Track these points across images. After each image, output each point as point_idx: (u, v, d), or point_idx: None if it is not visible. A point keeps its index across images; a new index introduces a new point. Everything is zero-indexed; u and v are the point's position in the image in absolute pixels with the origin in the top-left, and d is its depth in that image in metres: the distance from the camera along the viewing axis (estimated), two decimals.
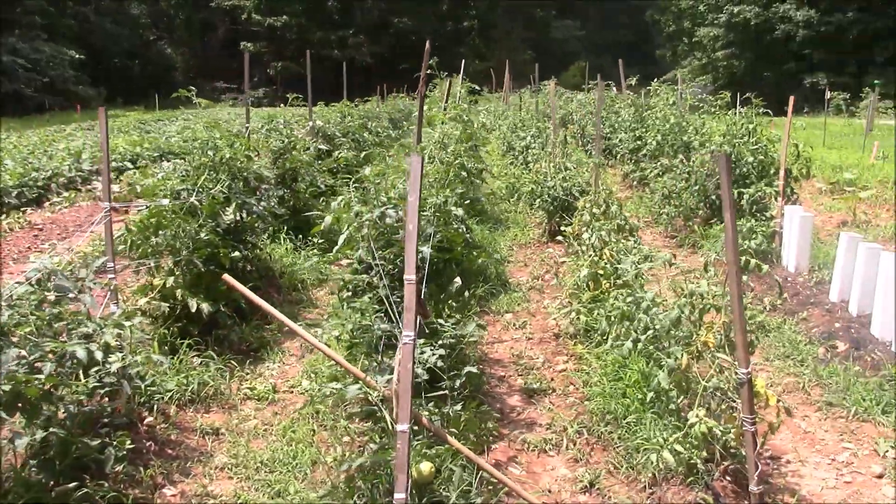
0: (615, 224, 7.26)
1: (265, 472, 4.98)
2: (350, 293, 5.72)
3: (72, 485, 4.22)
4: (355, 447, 4.97)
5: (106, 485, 4.45)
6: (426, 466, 3.88)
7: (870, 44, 46.96)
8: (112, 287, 5.42)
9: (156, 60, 64.00)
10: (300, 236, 10.05)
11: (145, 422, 5.37)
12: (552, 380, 6.42)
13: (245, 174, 7.71)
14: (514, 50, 68.02)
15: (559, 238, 10.03)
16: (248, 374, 6.47)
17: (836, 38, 47.43)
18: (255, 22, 62.65)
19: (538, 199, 11.01)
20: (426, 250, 5.12)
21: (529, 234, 11.51)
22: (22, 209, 13.10)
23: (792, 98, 9.61)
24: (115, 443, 4.54)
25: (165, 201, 6.37)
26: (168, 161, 19.20)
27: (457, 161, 7.52)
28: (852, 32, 47.07)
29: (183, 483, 4.88)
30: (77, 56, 46.70)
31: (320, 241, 10.07)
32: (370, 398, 3.96)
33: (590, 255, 7.28)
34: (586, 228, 7.23)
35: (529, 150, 13.35)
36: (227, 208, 6.90)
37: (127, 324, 4.83)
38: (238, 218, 7.04)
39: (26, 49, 42.12)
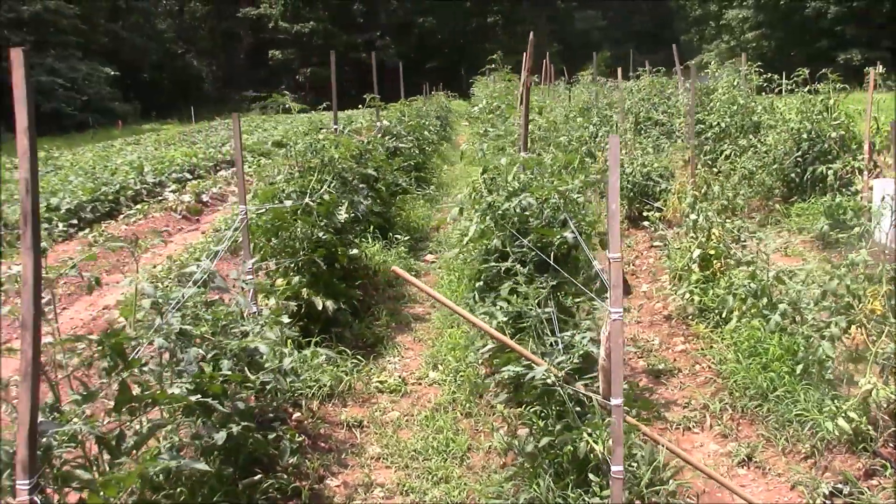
0: (719, 204, 7.29)
1: (421, 460, 5.08)
2: (481, 283, 5.80)
3: (256, 478, 4.35)
4: (515, 430, 5.05)
5: (284, 476, 4.58)
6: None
7: None
8: (253, 288, 5.55)
9: (184, 72, 64.71)
10: (385, 234, 10.18)
11: (294, 417, 5.50)
12: (674, 360, 6.48)
13: (346, 174, 7.83)
14: (541, 43, 67.95)
15: (642, 224, 10.07)
16: (373, 368, 6.58)
17: (869, 12, 46.91)
18: (281, 29, 63.08)
19: None
20: (569, 235, 5.20)
21: None
22: (98, 223, 13.34)
23: (872, 70, 9.57)
24: (287, 437, 4.66)
25: (289, 203, 6.50)
26: (223, 170, 19.46)
27: (583, 148, 7.60)
28: (884, 6, 46.51)
29: (343, 474, 5.00)
30: (112, 73, 47.29)
31: (405, 237, 10.21)
32: (550, 379, 4.03)
33: (696, 237, 7.33)
34: (690, 210, 7.26)
35: (595, 139, 13.38)
36: (339, 208, 7.02)
37: (286, 321, 4.96)
38: (348, 217, 7.16)
39: (64, 68, 42.77)
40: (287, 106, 8.41)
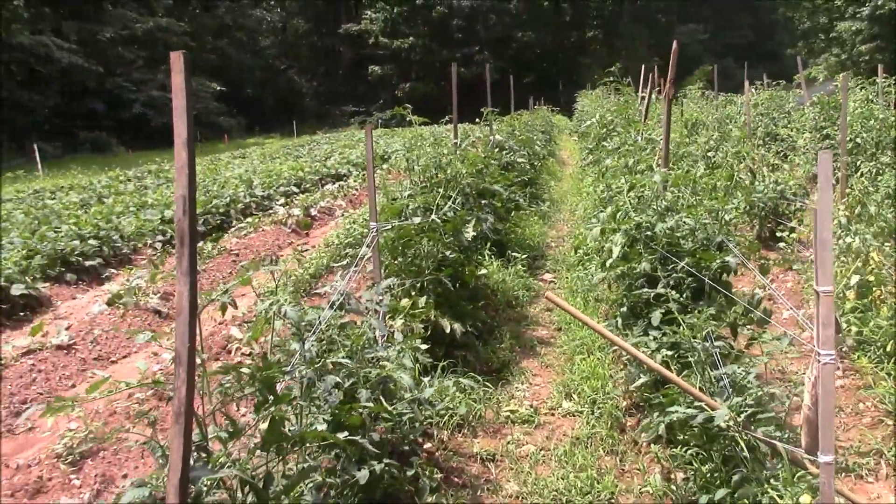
0: (878, 226, 6.68)
1: (564, 501, 4.68)
2: (625, 309, 5.37)
3: None
4: (669, 473, 4.61)
5: None
6: (806, 499, 3.48)
7: None
8: (384, 309, 5.26)
9: (286, 88, 65.97)
10: (502, 251, 9.84)
11: (425, 448, 5.18)
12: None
13: (469, 190, 7.52)
14: (640, 57, 66.80)
15: (775, 245, 9.45)
16: (501, 395, 6.22)
17: None
18: (381, 45, 63.70)
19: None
20: (731, 259, 4.73)
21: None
22: (209, 235, 13.41)
23: None
24: (426, 473, 4.34)
25: (417, 220, 6.21)
26: (329, 184, 19.47)
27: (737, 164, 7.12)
28: None
29: None
30: (218, 88, 48.53)
31: (523, 255, 9.83)
32: (729, 424, 3.58)
33: (846, 261, 6.73)
34: (845, 232, 6.67)
35: (715, 154, 12.76)
36: (467, 226, 6.70)
37: (423, 347, 4.64)
38: (475, 235, 6.84)
39: None
40: (409, 119, 8.17)
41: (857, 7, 51.90)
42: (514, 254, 9.63)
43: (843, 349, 6.49)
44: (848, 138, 12.34)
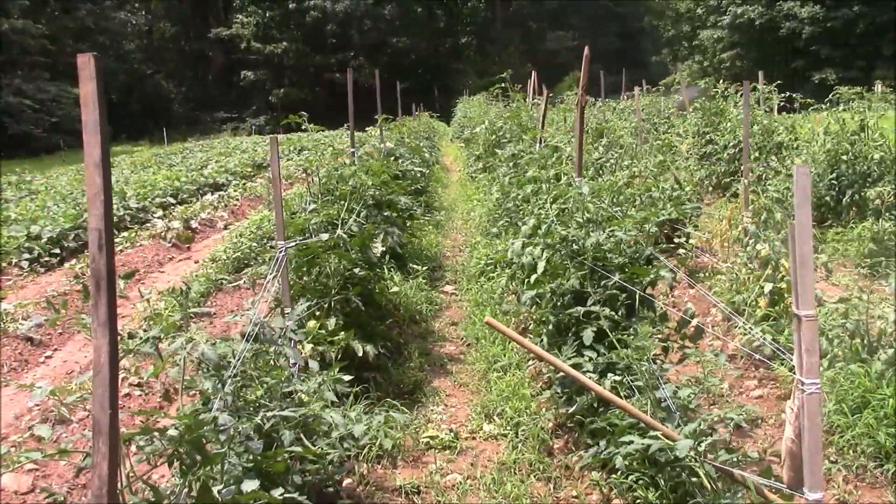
0: (785, 233, 6.70)
1: None
2: (551, 328, 5.14)
3: None
4: (609, 501, 4.39)
5: None
6: None
7: (876, 38, 46.73)
8: (296, 336, 4.84)
9: (153, 94, 63.46)
10: (400, 264, 9.50)
11: (344, 485, 4.79)
12: (753, 409, 5.85)
13: (373, 201, 7.17)
14: (513, 63, 67.70)
15: (675, 252, 9.50)
16: (418, 420, 5.88)
17: (843, 33, 47.26)
18: (254, 50, 62.21)
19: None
20: (666, 274, 4.56)
21: None
22: (81, 252, 12.51)
23: None
24: None
25: (325, 235, 5.80)
26: (208, 194, 18.65)
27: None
28: (858, 27, 46.87)
29: None
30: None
31: (424, 268, 9.53)
32: (689, 454, 3.37)
33: (754, 269, 6.75)
34: (755, 239, 6.67)
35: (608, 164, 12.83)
36: (375, 241, 6.34)
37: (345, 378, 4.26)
38: (384, 250, 6.48)
39: (31, 89, 41.60)
40: (304, 126, 7.73)
41: (719, 16, 54.31)
42: (413, 266, 9.31)
43: (757, 359, 6.48)
44: (731, 143, 12.65)
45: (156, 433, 2.44)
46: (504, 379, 6.33)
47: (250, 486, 2.78)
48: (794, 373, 2.79)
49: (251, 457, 3.34)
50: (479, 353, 7.18)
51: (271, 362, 4.31)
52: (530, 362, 6.61)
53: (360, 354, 5.76)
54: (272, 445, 3.59)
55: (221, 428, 2.80)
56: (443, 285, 9.72)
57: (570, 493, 4.71)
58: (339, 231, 6.27)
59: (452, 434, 5.63)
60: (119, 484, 2.49)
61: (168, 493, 2.49)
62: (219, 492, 2.59)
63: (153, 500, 2.42)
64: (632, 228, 5.01)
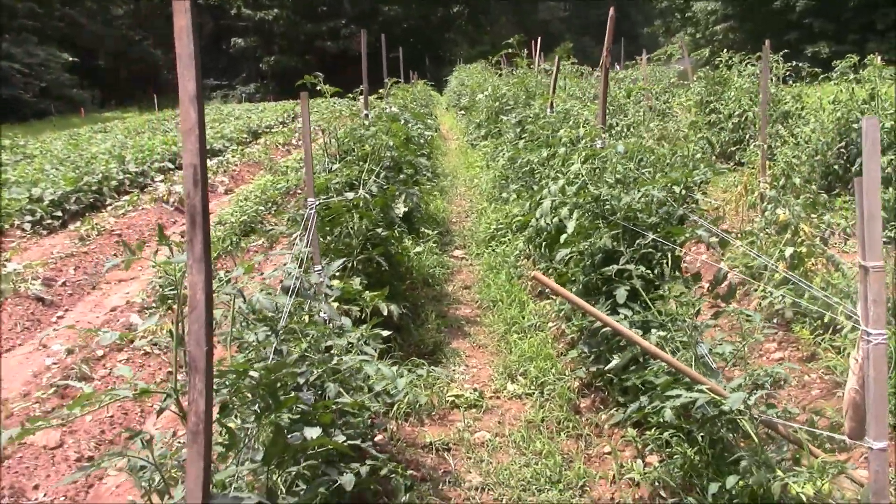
0: (805, 199, 6.71)
1: (534, 490, 4.42)
2: (581, 287, 5.14)
3: None
4: (644, 458, 4.42)
5: None
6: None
7: (870, 12, 46.61)
8: (332, 293, 4.82)
9: (142, 60, 62.71)
10: (412, 227, 9.48)
11: (376, 440, 4.81)
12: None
13: (391, 163, 7.13)
14: (504, 34, 67.29)
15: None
16: (439, 379, 5.89)
17: (836, 6, 47.10)
18: (244, 16, 61.47)
19: None
20: (703, 233, 4.56)
21: None
22: (82, 215, 12.43)
23: None
24: (399, 472, 3.98)
25: (351, 194, 5.77)
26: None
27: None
28: (851, 1, 46.73)
29: None
30: (69, 59, 45.55)
31: (434, 232, 9.52)
32: (740, 408, 3.38)
33: (771, 234, 6.77)
34: (775, 205, 6.67)
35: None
36: (397, 202, 6.31)
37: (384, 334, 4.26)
38: (406, 211, 6.46)
39: (20, 53, 40.97)
40: (319, 89, 7.65)
41: None
42: (425, 230, 9.29)
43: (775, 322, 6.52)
44: (736, 112, 12.64)
45: (242, 375, 2.42)
46: (526, 340, 6.35)
47: (313, 433, 2.78)
48: (858, 325, 2.79)
49: (299, 408, 3.34)
50: (496, 315, 7.20)
51: (305, 318, 4.31)
52: (551, 324, 6.63)
53: (385, 314, 5.75)
54: (318, 398, 3.59)
55: (299, 372, 2.79)
56: (452, 250, 9.71)
57: (601, 450, 4.75)
58: (361, 191, 6.23)
59: (477, 393, 5.65)
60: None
61: (242, 436, 2.49)
62: (294, 441, 2.59)
63: (227, 442, 2.42)
64: (662, 189, 5.00)
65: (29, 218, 11.60)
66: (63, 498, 4.50)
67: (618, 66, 29.67)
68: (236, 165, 17.30)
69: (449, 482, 4.55)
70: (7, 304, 7.69)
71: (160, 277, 7.59)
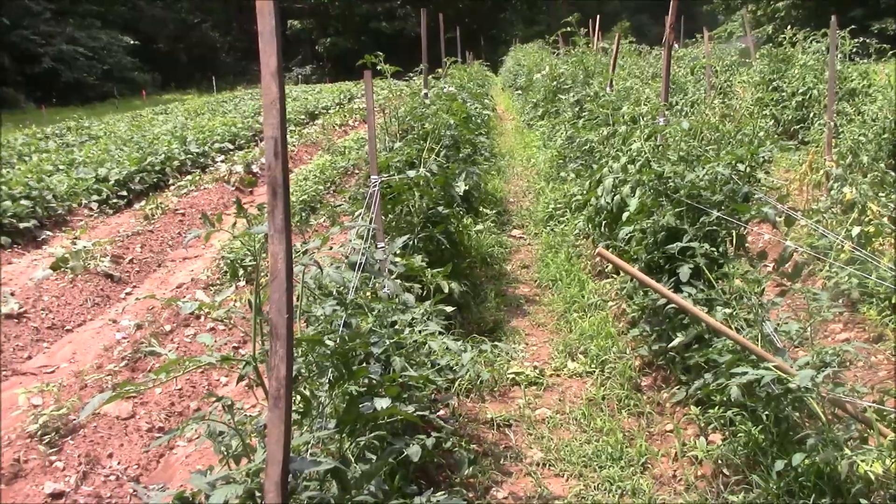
0: (873, 177, 6.58)
1: (595, 467, 4.44)
2: (643, 265, 5.12)
3: (435, 493, 3.71)
4: (707, 436, 4.41)
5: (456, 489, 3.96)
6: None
7: None
8: (396, 269, 4.88)
9: (200, 43, 63.62)
10: (470, 207, 9.51)
11: (438, 414, 4.86)
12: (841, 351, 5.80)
13: (451, 141, 7.16)
14: (560, 14, 66.57)
15: None
16: (498, 356, 5.92)
17: None
18: None
19: None
20: (769, 211, 4.51)
21: None
22: (146, 195, 12.71)
23: None
24: (462, 445, 4.03)
25: (413, 173, 5.82)
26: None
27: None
28: None
29: (508, 483, 4.36)
30: (131, 42, 46.45)
31: (492, 212, 9.54)
32: (808, 386, 3.35)
33: (838, 213, 6.65)
34: (836, 182, 6.56)
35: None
36: (458, 179, 6.34)
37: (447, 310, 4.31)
38: (467, 190, 6.49)
39: (84, 37, 41.93)
40: (379, 68, 7.69)
41: None
42: (483, 209, 9.31)
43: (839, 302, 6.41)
44: (799, 90, 12.37)
45: (317, 344, 2.49)
46: (586, 319, 6.35)
47: (383, 403, 2.83)
48: None
49: (366, 380, 3.41)
50: (556, 294, 7.20)
51: (368, 294, 4.38)
52: (611, 302, 6.62)
53: (447, 291, 5.80)
54: (385, 371, 3.66)
55: (373, 342, 2.85)
56: (510, 229, 9.71)
57: (663, 428, 4.75)
58: (421, 169, 6.28)
59: (537, 371, 5.67)
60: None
61: (315, 404, 2.55)
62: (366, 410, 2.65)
63: (301, 409, 2.49)
64: (727, 166, 4.95)
65: (95, 197, 11.91)
66: (136, 466, 4.65)
67: (676, 45, 29.20)
68: (294, 146, 17.47)
69: (510, 457, 4.60)
70: (78, 280, 7.91)
71: (230, 252, 7.74)
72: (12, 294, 7.52)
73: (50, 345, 6.67)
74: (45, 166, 13.49)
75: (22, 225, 10.12)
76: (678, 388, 4.89)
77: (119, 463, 4.67)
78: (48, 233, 10.48)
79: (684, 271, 4.63)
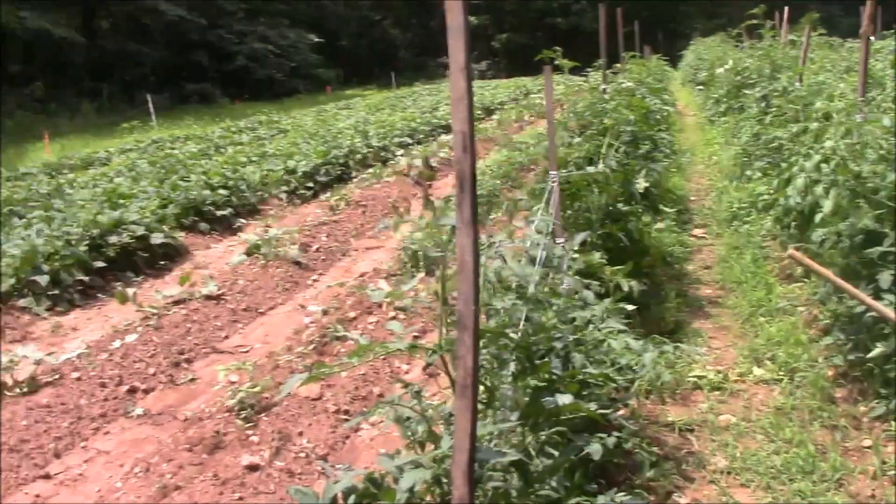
0: None
1: (785, 479, 4.22)
2: (838, 270, 4.82)
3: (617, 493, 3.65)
4: None
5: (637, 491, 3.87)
6: None
7: None
8: (576, 265, 4.85)
9: (381, 40, 65.59)
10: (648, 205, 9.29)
11: (618, 414, 4.78)
12: None
13: (630, 137, 7.01)
14: (742, 6, 63.87)
15: None
16: (679, 359, 5.74)
17: None
18: None
19: None
20: None
21: None
22: (330, 186, 13.23)
23: None
24: (644, 447, 3.95)
25: (592, 168, 5.76)
26: (443, 135, 19.05)
27: None
28: None
29: (690, 490, 4.21)
30: (316, 40, 48.61)
31: (673, 210, 9.28)
32: None
33: None
34: None
35: None
36: (638, 176, 6.21)
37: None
38: (647, 187, 6.35)
39: (274, 36, 44.27)
40: (556, 64, 7.63)
41: None
42: (663, 207, 9.06)
43: None
44: None
45: (502, 337, 2.51)
46: (773, 324, 6.07)
47: (566, 398, 2.81)
48: None
49: (546, 376, 3.39)
50: (740, 296, 6.92)
51: (545, 289, 4.35)
52: (801, 308, 6.29)
53: (626, 290, 5.68)
54: (564, 367, 3.63)
55: (556, 337, 2.85)
56: (691, 229, 9.41)
57: (860, 443, 4.45)
58: (600, 165, 6.19)
59: (721, 376, 5.46)
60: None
61: (498, 396, 2.57)
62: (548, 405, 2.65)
63: (485, 400, 2.51)
64: None
65: (284, 188, 12.55)
66: (323, 445, 4.86)
67: (873, 38, 27.35)
68: (481, 139, 17.70)
69: (693, 463, 4.45)
70: (270, 266, 8.37)
71: (413, 244, 7.96)
72: (211, 277, 8.05)
73: (244, 326, 7.08)
74: (240, 158, 14.33)
75: (219, 212, 10.80)
76: (877, 402, 4.58)
77: (308, 441, 4.89)
78: (242, 220, 11.14)
79: (885, 278, 4.32)
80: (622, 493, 3.31)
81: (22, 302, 7.51)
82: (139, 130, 24.99)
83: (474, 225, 2.09)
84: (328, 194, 12.31)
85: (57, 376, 5.89)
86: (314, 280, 8.37)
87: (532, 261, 3.93)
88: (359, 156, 15.21)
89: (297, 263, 8.57)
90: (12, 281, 7.55)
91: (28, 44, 34.70)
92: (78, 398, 5.56)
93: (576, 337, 3.74)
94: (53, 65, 36.14)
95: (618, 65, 11.95)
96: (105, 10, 40.16)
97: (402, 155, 15.67)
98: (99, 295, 8.13)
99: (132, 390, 5.77)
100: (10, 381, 5.72)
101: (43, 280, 7.66)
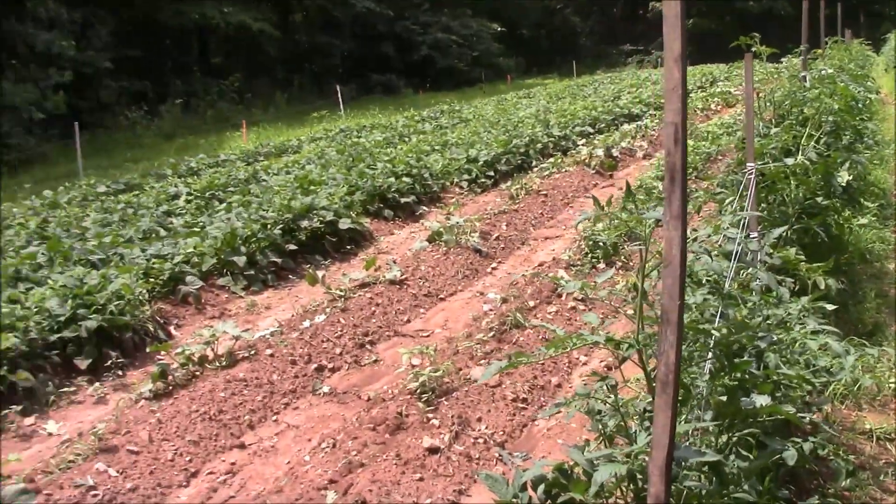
0: None
1: None
2: None
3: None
4: None
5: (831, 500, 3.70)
6: None
7: None
8: (772, 261, 4.67)
9: (561, 28, 65.07)
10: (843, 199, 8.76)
11: (806, 420, 4.56)
12: None
13: (831, 128, 6.63)
14: None
15: None
16: (879, 362, 5.39)
17: None
18: None
19: None
20: None
21: None
22: (510, 176, 13.29)
23: None
24: (840, 454, 3.76)
25: (790, 160, 5.50)
26: (625, 124, 18.71)
27: None
28: None
29: (887, 502, 3.98)
30: (498, 29, 48.89)
31: (874, 205, 8.71)
32: None
33: None
34: None
35: None
36: (840, 169, 5.88)
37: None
38: (850, 180, 6.00)
39: (457, 26, 44.91)
40: (754, 51, 7.32)
41: None
42: (863, 201, 8.52)
43: None
44: None
45: (703, 334, 2.47)
46: None
47: (763, 399, 2.72)
48: None
49: (737, 375, 3.29)
50: None
51: (736, 285, 4.21)
52: None
53: (822, 288, 5.40)
54: (758, 366, 3.50)
55: (759, 336, 2.77)
56: (893, 225, 8.81)
57: None
58: (799, 157, 5.90)
59: None
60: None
61: (696, 393, 2.52)
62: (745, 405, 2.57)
63: (682, 398, 2.47)
64: None
65: (465, 177, 12.73)
66: (501, 433, 4.93)
67: None
68: (654, 130, 17.28)
69: (892, 474, 4.20)
70: (451, 253, 8.54)
71: (592, 235, 7.90)
72: (395, 262, 8.31)
73: (426, 311, 7.27)
74: (423, 146, 14.66)
75: (403, 200, 11.11)
76: None
77: (486, 427, 4.98)
78: (424, 208, 11.41)
79: None
80: (817, 501, 3.17)
81: (221, 281, 8.03)
82: (328, 119, 26.13)
83: (683, 219, 2.07)
84: (508, 183, 12.38)
85: (252, 352, 6.27)
86: (493, 268, 8.47)
87: (727, 255, 3.81)
88: (539, 145, 15.19)
89: (478, 251, 8.70)
90: (213, 261, 8.08)
91: (228, 38, 36.99)
92: (271, 374, 5.89)
93: (777, 336, 3.60)
94: (250, 57, 38.31)
95: (817, 50, 11.31)
96: (299, 4, 42.07)
97: (583, 144, 15.54)
98: (290, 276, 8.57)
99: (320, 368, 6.06)
100: (210, 355, 6.14)
101: (240, 261, 8.17)
